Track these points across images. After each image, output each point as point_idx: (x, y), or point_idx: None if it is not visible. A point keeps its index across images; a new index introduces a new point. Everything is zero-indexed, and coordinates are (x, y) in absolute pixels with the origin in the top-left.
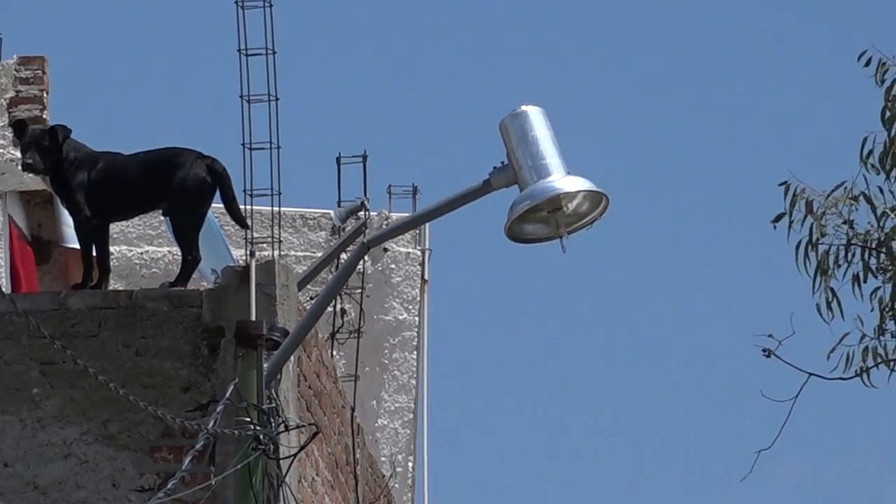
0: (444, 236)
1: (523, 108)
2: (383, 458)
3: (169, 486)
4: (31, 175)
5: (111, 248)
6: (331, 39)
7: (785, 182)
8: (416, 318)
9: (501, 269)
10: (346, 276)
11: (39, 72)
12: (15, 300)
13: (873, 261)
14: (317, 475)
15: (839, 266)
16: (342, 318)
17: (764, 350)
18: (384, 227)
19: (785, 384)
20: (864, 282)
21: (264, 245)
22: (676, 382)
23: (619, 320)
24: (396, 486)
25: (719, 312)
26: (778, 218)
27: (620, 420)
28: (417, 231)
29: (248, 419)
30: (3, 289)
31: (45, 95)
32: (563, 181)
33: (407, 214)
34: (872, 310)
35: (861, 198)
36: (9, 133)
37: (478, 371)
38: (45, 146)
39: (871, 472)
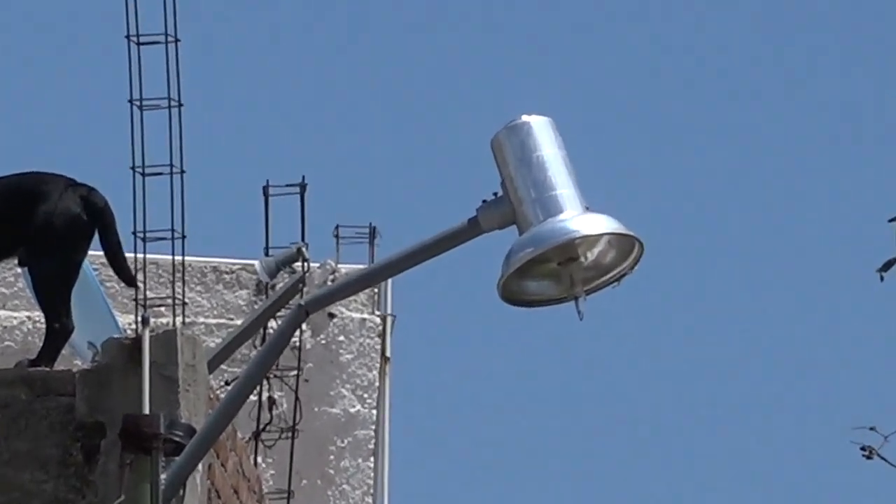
0: (413, 297)
1: (524, 118)
2: None
3: None
4: None
5: None
6: (258, 35)
7: None
8: (374, 412)
9: (490, 343)
10: (276, 353)
11: None
12: None
13: None
14: None
15: None
16: (271, 410)
17: (864, 448)
18: (329, 283)
19: (891, 492)
20: None
21: (162, 308)
22: (744, 484)
23: (649, 409)
24: None
25: (803, 396)
26: (887, 266)
27: None
28: (376, 290)
29: None
30: None
31: None
32: (581, 221)
33: (361, 266)
34: None
35: None
36: None
37: (455, 481)
38: None
39: None
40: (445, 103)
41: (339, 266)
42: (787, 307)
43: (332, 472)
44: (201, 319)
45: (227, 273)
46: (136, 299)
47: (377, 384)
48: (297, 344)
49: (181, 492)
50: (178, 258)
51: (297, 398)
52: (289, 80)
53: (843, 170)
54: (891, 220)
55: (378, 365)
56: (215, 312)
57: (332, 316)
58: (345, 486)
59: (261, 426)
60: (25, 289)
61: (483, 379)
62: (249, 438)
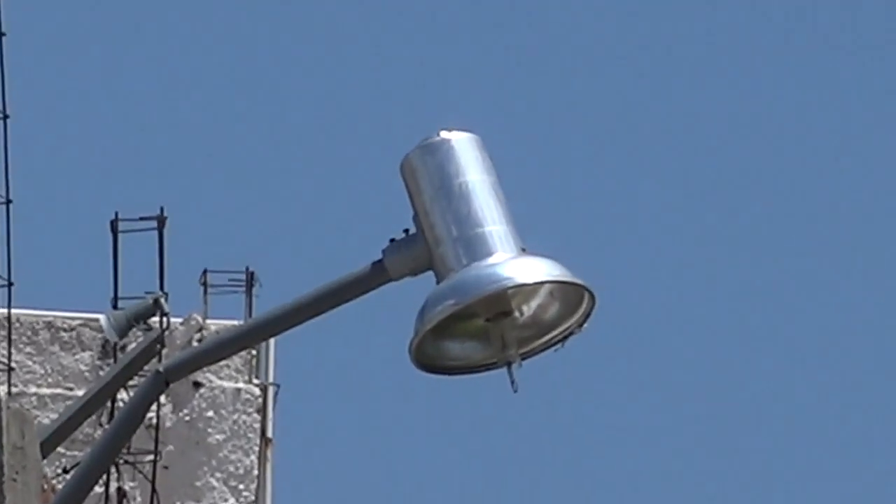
0: (301, 363)
1: (443, 134)
2: None
3: None
4: None
5: None
6: (109, 42)
7: None
8: None
9: (398, 419)
10: (128, 432)
11: None
12: None
13: None
14: None
15: None
16: None
17: None
18: (195, 343)
19: None
20: None
21: None
22: None
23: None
24: None
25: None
26: None
27: None
28: (253, 353)
29: None
30: None
31: None
32: (515, 265)
33: (235, 322)
34: None
35: None
36: None
37: None
38: None
39: None
40: (342, 118)
41: (208, 321)
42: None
43: None
44: (33, 389)
45: (65, 330)
46: None
47: (256, 472)
48: (154, 421)
49: None
50: (3, 311)
51: (153, 490)
52: (144, 92)
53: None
54: None
55: (257, 448)
56: (50, 380)
57: (198, 385)
58: None
59: None
60: None
61: (388, 463)
62: None
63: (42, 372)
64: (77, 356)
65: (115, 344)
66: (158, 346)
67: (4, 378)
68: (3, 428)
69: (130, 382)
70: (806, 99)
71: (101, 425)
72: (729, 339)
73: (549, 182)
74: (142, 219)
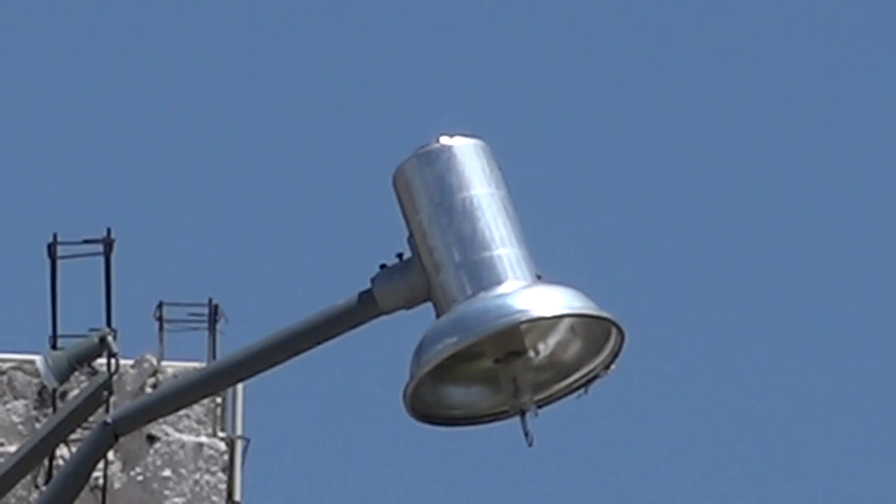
0: (274, 413)
1: (444, 140)
2: None
3: None
4: None
5: None
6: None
7: None
8: None
9: (390, 479)
10: (70, 495)
11: None
12: None
13: None
14: None
15: None
16: None
17: None
18: (149, 390)
19: None
20: None
21: None
22: None
23: None
24: None
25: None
26: None
27: None
28: (218, 401)
29: None
30: None
31: None
32: (529, 295)
33: (196, 364)
34: None
35: None
36: None
37: None
38: None
39: None
40: (323, 123)
41: (164, 363)
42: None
43: None
44: None
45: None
46: None
47: None
48: (101, 482)
49: None
50: None
51: None
52: (89, 93)
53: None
54: None
55: None
56: None
57: (152, 439)
58: None
59: None
60: None
61: None
62: None
63: None
64: (9, 405)
65: (55, 391)
66: (106, 392)
67: None
68: None
69: (73, 436)
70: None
71: (37, 487)
72: (775, 378)
73: (569, 198)
74: (86, 241)
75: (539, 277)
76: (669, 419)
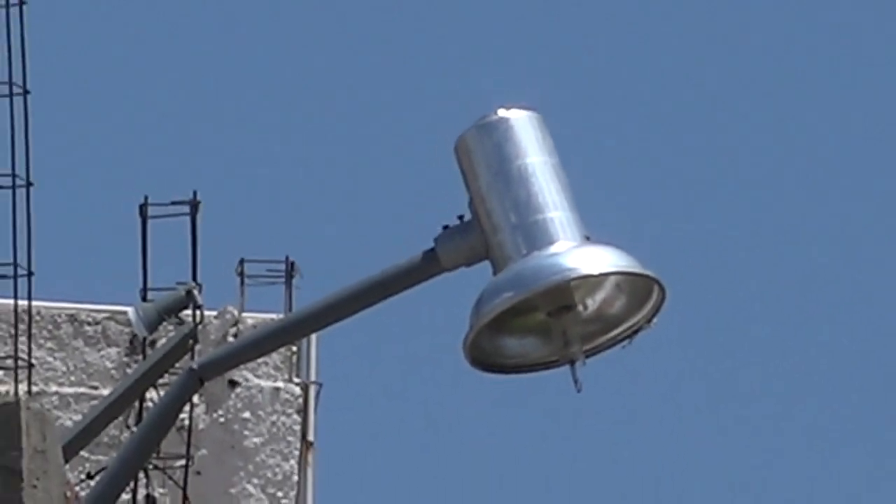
0: (345, 361)
1: (502, 112)
2: None
3: None
4: None
5: None
6: (137, 15)
7: None
8: None
9: (450, 420)
10: (158, 435)
11: None
12: None
13: None
14: None
15: None
16: None
17: None
18: (231, 339)
19: None
20: None
21: (0, 372)
22: None
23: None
24: None
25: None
26: None
27: None
28: (294, 350)
29: None
30: None
31: None
32: (579, 255)
33: (274, 316)
34: None
35: None
36: None
37: None
38: None
39: None
40: (391, 95)
41: (244, 315)
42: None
43: None
44: (54, 388)
45: (89, 324)
46: None
47: (295, 477)
48: (186, 423)
49: None
50: (23, 303)
51: (185, 497)
52: (178, 66)
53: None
54: None
55: (297, 452)
56: (73, 378)
57: (233, 384)
58: None
59: None
60: None
61: (438, 468)
62: None
63: (64, 369)
64: (103, 352)
65: (145, 339)
66: (191, 341)
67: (24, 376)
68: (22, 430)
69: (161, 381)
70: None
71: (128, 427)
72: (824, 334)
73: (616, 165)
74: (173, 203)
75: (587, 238)
76: (705, 369)
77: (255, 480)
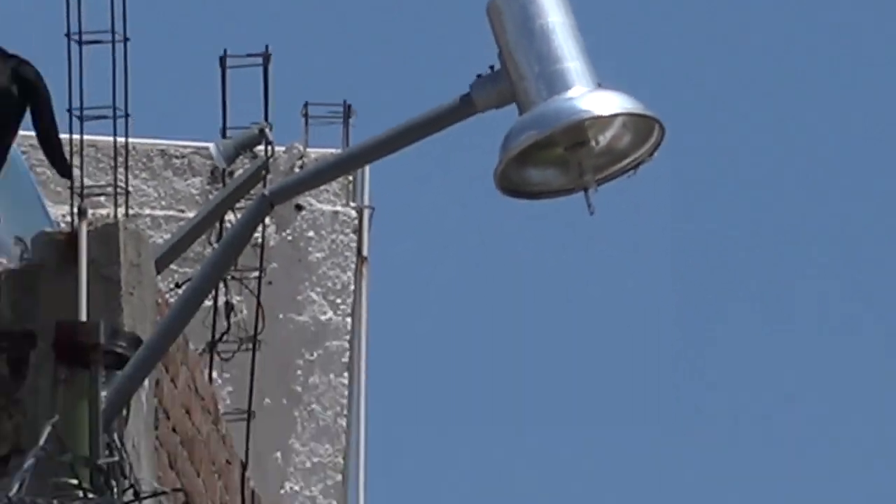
0: (394, 187)
1: None
2: None
3: None
4: None
5: None
6: None
7: None
8: (348, 319)
9: (485, 239)
10: (235, 250)
11: None
12: None
13: None
14: None
15: None
16: (228, 318)
17: None
18: (297, 170)
19: None
20: None
21: (102, 198)
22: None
23: (654, 322)
24: None
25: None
26: None
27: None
28: (350, 178)
29: (76, 481)
30: None
31: None
32: (592, 99)
33: (334, 150)
34: None
35: None
36: None
37: (440, 397)
38: None
39: None
40: None
41: (309, 150)
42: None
43: (299, 389)
44: (147, 211)
45: (177, 157)
46: (71, 187)
47: (352, 287)
48: (260, 241)
49: (124, 411)
50: (121, 140)
51: (258, 304)
52: None
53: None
54: None
55: (353, 265)
56: (164, 203)
57: (299, 208)
58: (314, 405)
59: (217, 336)
60: None
61: (475, 281)
62: (203, 350)
63: (156, 195)
64: (188, 181)
65: (224, 170)
66: (263, 172)
67: (122, 201)
68: (120, 247)
69: (237, 205)
70: None
71: (210, 244)
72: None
73: (622, 21)
74: (249, 55)
75: (599, 85)
76: (696, 201)
77: (318, 289)
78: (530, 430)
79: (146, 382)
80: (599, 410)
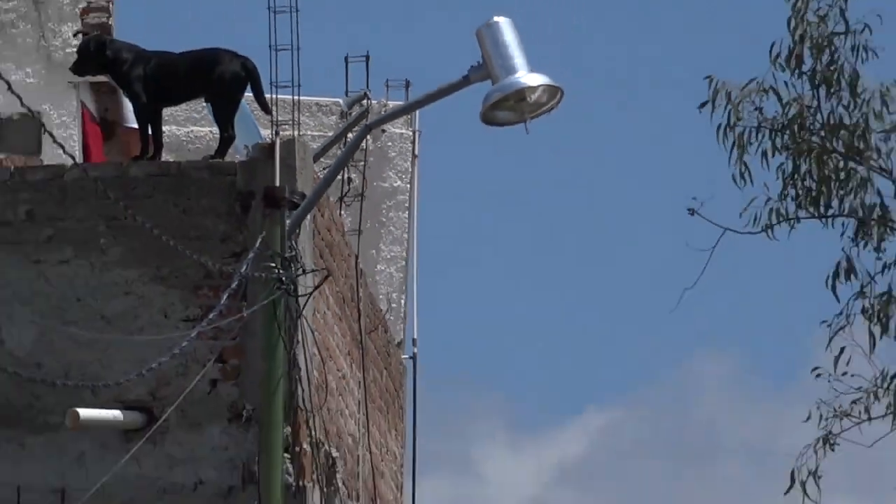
0: (432, 120)
1: (496, 19)
2: (381, 296)
3: (210, 317)
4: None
5: (163, 128)
6: None
7: (710, 76)
8: (408, 185)
9: (477, 147)
10: (351, 152)
11: None
12: (86, 169)
13: (778, 140)
14: (327, 309)
15: (751, 144)
16: (348, 184)
17: (689, 209)
18: (383, 113)
19: (706, 238)
20: (771, 157)
21: (286, 127)
22: (626, 235)
23: (575, 188)
24: (391, 318)
25: (656, 180)
26: (703, 105)
27: (583, 262)
28: (409, 116)
29: (273, 265)
30: (77, 160)
31: (110, 5)
32: (527, 77)
33: (401, 103)
34: (777, 179)
35: (770, 91)
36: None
37: (457, 226)
38: (90, 53)
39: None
40: (451, 11)
41: (388, 103)
42: (649, 131)
43: (383, 219)
44: (308, 133)
45: (323, 106)
46: (271, 121)
47: (410, 170)
48: (364, 147)
49: (297, 230)
50: (296, 98)
51: (364, 177)
52: None
53: None
54: (706, 78)
55: (410, 159)
56: (316, 129)
57: (383, 131)
58: (391, 227)
59: (343, 193)
60: (209, 115)
61: (474, 166)
62: (336, 200)
63: (313, 125)
64: (329, 118)
65: (347, 112)
66: (366, 113)
67: (297, 129)
68: (296, 150)
69: (353, 129)
70: None
71: (340, 149)
72: None
73: (545, 41)
74: (359, 56)
75: (531, 71)
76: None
77: (393, 171)
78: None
79: (308, 216)
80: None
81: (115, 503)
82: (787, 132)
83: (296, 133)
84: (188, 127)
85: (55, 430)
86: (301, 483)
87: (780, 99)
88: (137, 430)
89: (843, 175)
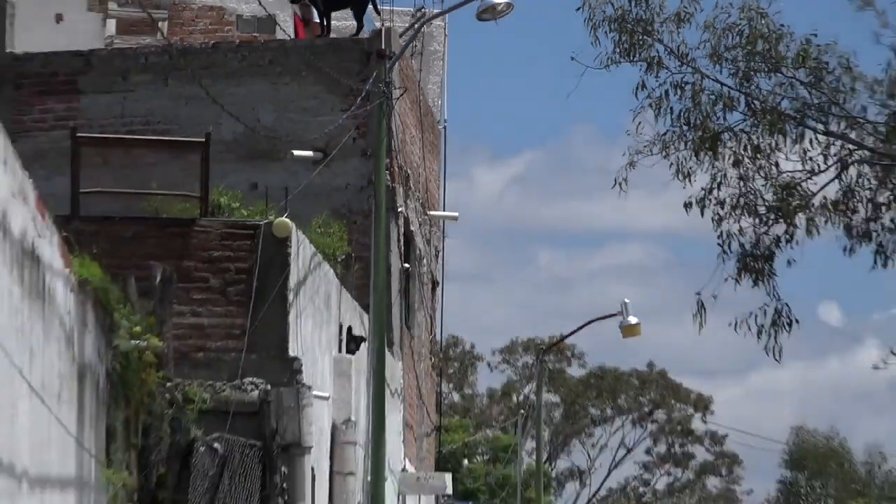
0: (459, 32)
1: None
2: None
3: (351, 109)
4: None
5: (331, 21)
6: None
7: None
8: (438, 78)
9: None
10: (417, 31)
11: None
12: (295, 41)
13: None
14: (406, 107)
15: None
16: (415, 47)
17: None
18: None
19: None
20: None
21: (387, 20)
22: None
23: None
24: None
25: None
26: None
27: None
28: (444, 18)
29: (381, 85)
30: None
31: None
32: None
33: (437, 10)
34: None
35: None
36: None
37: (484, 124)
38: None
39: None
40: None
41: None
42: None
43: (432, 66)
44: (397, 24)
45: (404, 13)
46: (381, 19)
47: (442, 65)
48: (423, 31)
49: (391, 69)
50: (392, 8)
51: (420, 68)
52: None
53: None
54: None
55: (444, 58)
56: (399, 24)
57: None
58: (432, 106)
59: (413, 50)
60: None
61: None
62: (412, 54)
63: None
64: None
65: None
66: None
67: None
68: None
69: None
70: None
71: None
72: None
73: None
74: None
75: None
76: None
77: (431, 67)
78: None
79: (396, 64)
80: None
81: None
82: None
83: (393, 24)
84: (342, 21)
85: None
86: (393, 185)
87: None
88: None
89: None
